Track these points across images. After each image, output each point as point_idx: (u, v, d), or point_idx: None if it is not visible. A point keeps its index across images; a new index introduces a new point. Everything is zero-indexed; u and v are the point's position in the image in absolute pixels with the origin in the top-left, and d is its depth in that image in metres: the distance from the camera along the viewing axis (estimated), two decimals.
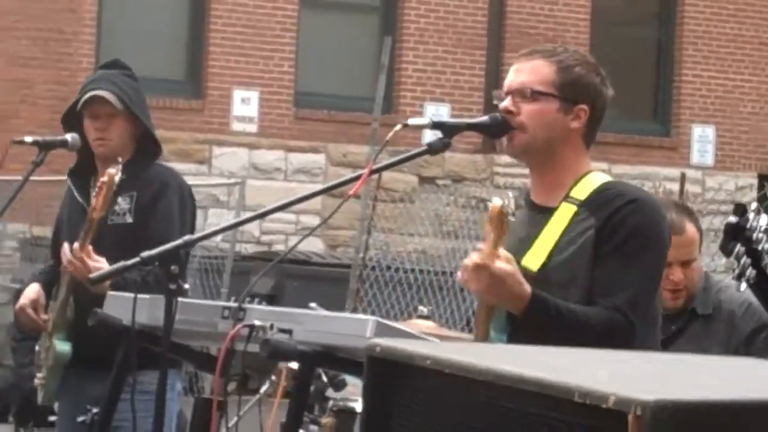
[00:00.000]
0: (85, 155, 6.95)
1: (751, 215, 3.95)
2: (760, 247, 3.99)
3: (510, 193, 4.71)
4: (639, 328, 4.80)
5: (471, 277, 4.65)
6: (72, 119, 6.84)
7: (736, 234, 3.96)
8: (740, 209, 3.96)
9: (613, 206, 4.86)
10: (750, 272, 3.97)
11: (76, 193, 6.88)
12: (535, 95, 4.97)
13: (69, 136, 6.58)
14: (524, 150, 5.03)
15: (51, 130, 6.73)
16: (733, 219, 3.99)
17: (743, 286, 4.05)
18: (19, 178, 6.48)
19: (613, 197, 4.90)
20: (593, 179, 5.00)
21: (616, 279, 4.80)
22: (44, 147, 6.45)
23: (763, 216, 4.00)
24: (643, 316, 4.83)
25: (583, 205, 4.90)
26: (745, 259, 3.96)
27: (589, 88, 5.02)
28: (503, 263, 4.59)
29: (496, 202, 4.64)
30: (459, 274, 4.75)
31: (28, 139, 6.48)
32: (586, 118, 5.01)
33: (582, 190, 4.95)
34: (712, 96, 23.03)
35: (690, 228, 6.23)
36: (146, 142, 6.89)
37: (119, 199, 6.53)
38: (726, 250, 3.98)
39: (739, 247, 3.96)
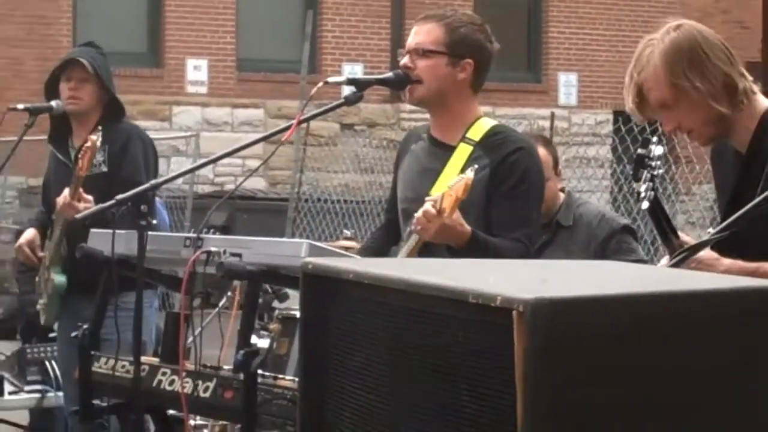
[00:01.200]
0: (59, 121, 6.93)
1: (652, 146, 3.95)
2: (656, 173, 3.99)
3: (475, 167, 4.72)
4: (532, 253, 4.86)
5: (426, 226, 4.60)
6: (52, 92, 6.83)
7: (643, 163, 3.96)
8: (646, 142, 3.95)
9: (503, 151, 4.88)
10: (650, 194, 3.96)
11: (58, 155, 6.87)
12: (427, 53, 4.96)
13: (54, 102, 6.56)
14: (421, 99, 5.03)
15: (39, 99, 6.69)
16: (641, 150, 3.98)
17: (645, 204, 4.04)
18: (15, 138, 6.42)
19: (502, 141, 4.93)
20: (484, 123, 5.00)
21: (515, 216, 4.83)
22: (34, 112, 6.39)
23: (659, 147, 4.00)
24: (535, 242, 4.89)
25: (477, 144, 4.92)
26: (648, 183, 3.95)
27: (474, 45, 5.00)
28: (454, 217, 4.60)
29: (470, 173, 4.61)
30: (413, 223, 4.73)
31: (20, 106, 6.44)
32: (472, 70, 5.00)
33: (476, 132, 4.96)
34: (574, 48, 23.03)
35: (542, 152, 6.25)
36: (113, 106, 6.87)
37: (97, 154, 6.53)
38: (636, 176, 3.97)
39: (645, 174, 3.96)
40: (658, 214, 4.05)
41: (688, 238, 4.08)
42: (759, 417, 2.39)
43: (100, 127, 6.28)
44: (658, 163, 3.96)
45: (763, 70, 21.73)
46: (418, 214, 4.59)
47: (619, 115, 19.29)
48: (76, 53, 6.94)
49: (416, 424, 2.46)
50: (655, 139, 3.99)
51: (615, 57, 22.24)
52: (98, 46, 7.01)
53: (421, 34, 5.00)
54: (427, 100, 5.05)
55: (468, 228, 4.65)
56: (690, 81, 4.06)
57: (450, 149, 4.95)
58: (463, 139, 4.94)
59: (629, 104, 4.21)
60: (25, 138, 6.42)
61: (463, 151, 4.91)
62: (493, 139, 4.93)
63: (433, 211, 4.54)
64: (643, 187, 3.96)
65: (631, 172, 4.05)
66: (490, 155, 4.86)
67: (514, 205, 4.84)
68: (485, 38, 5.04)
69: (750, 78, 4.19)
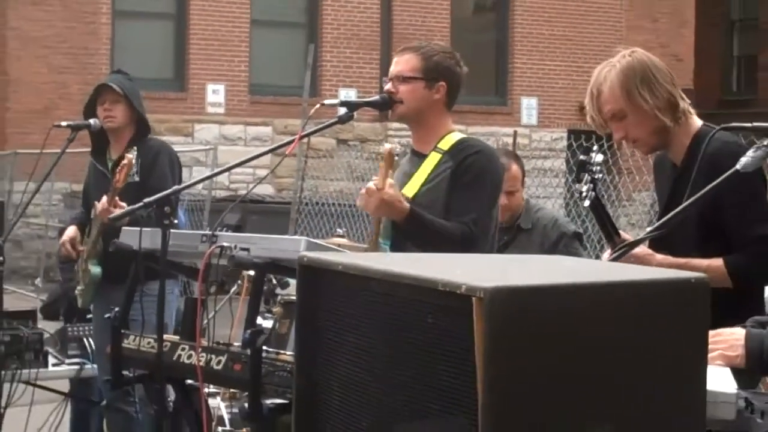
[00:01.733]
0: (98, 137, 6.96)
1: (593, 154, 3.97)
2: (596, 176, 4.00)
3: (397, 141, 4.78)
4: (480, 237, 4.84)
5: (367, 201, 4.70)
6: (91, 114, 6.86)
7: (584, 167, 3.97)
8: (587, 150, 3.97)
9: (464, 154, 4.92)
10: (591, 194, 3.97)
11: (97, 165, 6.91)
12: (406, 79, 4.99)
13: (92, 121, 6.60)
14: (402, 117, 5.07)
15: (81, 118, 6.71)
16: (582, 157, 3.99)
17: (587, 202, 4.05)
18: (59, 150, 6.44)
19: (464, 147, 4.96)
20: (454, 136, 5.03)
21: (466, 204, 4.84)
22: (75, 129, 6.41)
23: (599, 155, 4.01)
24: (481, 229, 4.87)
25: (446, 153, 4.96)
26: (589, 185, 3.96)
27: (446, 70, 5.03)
28: (390, 190, 4.64)
29: (387, 146, 4.74)
30: (358, 199, 4.80)
31: (64, 123, 6.46)
32: (445, 91, 5.03)
33: (446, 143, 5.00)
34: (535, 77, 23.06)
35: (514, 167, 6.27)
36: (142, 124, 6.89)
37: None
38: (578, 178, 3.99)
39: (586, 176, 3.97)
40: (599, 211, 4.07)
41: (627, 235, 4.10)
42: (683, 390, 2.41)
43: (135, 147, 6.34)
44: (598, 168, 3.97)
45: (695, 96, 21.78)
46: (362, 191, 4.70)
47: (572, 133, 19.30)
48: (108, 79, 7.03)
49: (393, 393, 2.46)
50: (595, 147, 4.01)
51: (569, 84, 22.32)
52: (126, 73, 7.10)
53: (401, 63, 5.03)
54: (407, 118, 5.09)
55: (407, 205, 4.73)
56: (641, 95, 4.10)
57: (424, 157, 4.99)
58: (435, 148, 4.99)
59: (589, 115, 4.24)
60: (68, 150, 6.43)
61: (433, 158, 4.97)
62: (459, 146, 4.97)
63: (374, 187, 4.62)
64: (584, 188, 3.97)
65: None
66: (454, 159, 4.91)
67: (466, 196, 4.86)
68: (455, 64, 5.08)
69: (688, 101, 4.22)
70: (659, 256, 4.00)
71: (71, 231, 6.86)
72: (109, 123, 6.81)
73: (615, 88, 4.16)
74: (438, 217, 4.83)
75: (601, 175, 3.99)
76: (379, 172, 4.72)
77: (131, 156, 6.11)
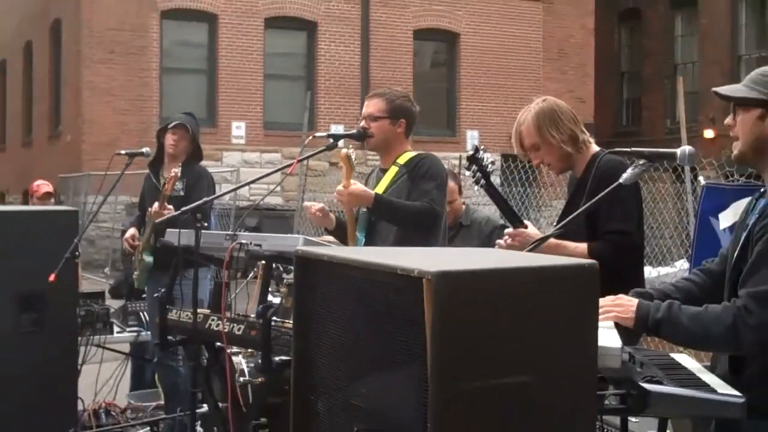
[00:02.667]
0: (157, 155, 6.98)
1: (480, 151, 3.97)
2: (486, 168, 3.99)
3: (351, 146, 4.81)
4: (439, 212, 4.87)
5: (340, 199, 4.77)
6: (160, 135, 6.97)
7: (475, 160, 3.98)
8: (476, 148, 3.98)
9: (415, 162, 4.97)
10: (481, 181, 3.98)
11: (152, 178, 6.89)
12: (375, 118, 4.99)
13: (144, 149, 6.55)
14: (374, 146, 5.07)
15: (136, 148, 6.69)
16: (470, 152, 4.01)
17: (476, 187, 4.07)
18: (118, 172, 6.42)
19: (417, 159, 4.98)
20: (409, 154, 5.07)
21: (425, 189, 4.86)
22: (131, 156, 6.39)
23: (487, 153, 4.01)
24: (439, 206, 4.89)
25: (402, 166, 4.99)
26: (478, 174, 3.96)
27: (405, 110, 5.06)
28: (354, 185, 4.71)
29: (343, 150, 4.77)
30: (335, 195, 4.82)
31: (123, 151, 6.42)
32: (405, 125, 5.05)
33: (402, 159, 5.04)
34: (476, 115, 23.13)
35: (452, 183, 6.29)
36: (196, 153, 6.89)
37: (177, 183, 6.57)
38: (469, 168, 4.00)
39: (474, 167, 3.98)
40: (495, 196, 4.05)
41: (529, 224, 4.09)
42: (580, 347, 2.41)
43: (180, 165, 6.33)
44: (488, 162, 3.98)
45: (595, 129, 21.86)
46: (335, 194, 4.78)
47: (506, 157, 19.35)
48: (183, 119, 7.04)
49: (366, 349, 2.47)
50: (482, 147, 4.03)
51: (502, 120, 22.37)
52: (193, 115, 7.16)
53: (371, 106, 5.04)
54: (377, 147, 5.10)
55: (371, 192, 4.76)
56: (549, 132, 4.12)
57: (386, 171, 5.02)
58: (394, 163, 5.00)
59: (516, 148, 4.27)
60: (127, 172, 6.41)
61: (392, 171, 5.02)
62: (412, 159, 5.00)
63: (342, 188, 4.70)
64: (474, 177, 3.99)
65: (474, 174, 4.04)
66: (408, 167, 4.92)
67: (423, 184, 4.88)
68: (411, 105, 5.11)
69: (587, 133, 4.24)
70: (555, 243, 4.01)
71: (131, 231, 6.90)
72: (172, 150, 6.84)
73: (531, 128, 4.19)
74: None
75: (491, 167, 3.99)
76: (343, 174, 4.75)
77: (177, 171, 6.14)
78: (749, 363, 2.94)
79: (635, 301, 2.99)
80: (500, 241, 4.10)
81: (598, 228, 3.99)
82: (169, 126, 6.97)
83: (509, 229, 4.06)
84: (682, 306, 2.95)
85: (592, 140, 4.27)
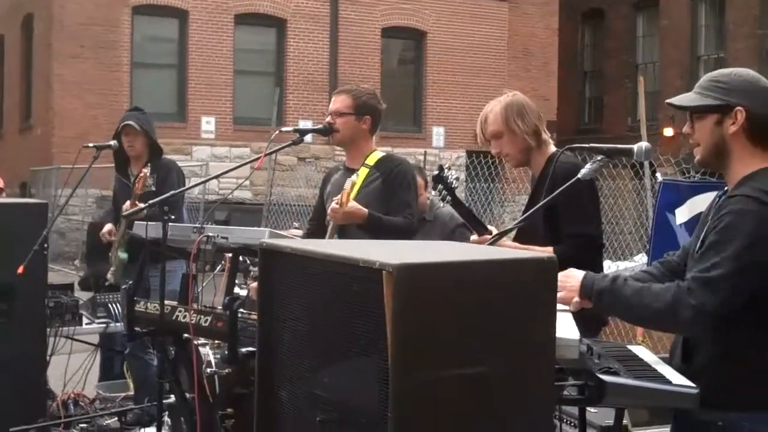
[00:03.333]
0: (120, 157, 6.91)
1: (445, 170, 3.98)
2: (451, 185, 4.00)
3: (354, 177, 4.75)
4: (416, 224, 4.92)
5: (336, 214, 4.68)
6: (118, 140, 6.82)
7: (440, 179, 3.98)
8: (440, 167, 3.98)
9: (389, 167, 4.94)
10: (447, 198, 3.99)
11: (122, 179, 6.85)
12: (341, 114, 4.98)
13: (112, 142, 6.55)
14: (339, 141, 5.06)
15: (107, 142, 6.67)
16: (436, 172, 4.02)
17: (443, 203, 4.08)
18: (86, 165, 6.37)
19: (389, 162, 4.97)
20: (377, 154, 5.03)
21: (403, 202, 4.87)
22: (99, 148, 6.34)
23: (453, 171, 4.03)
24: (416, 218, 4.92)
25: (372, 167, 4.95)
26: (444, 192, 3.97)
27: (371, 107, 5.03)
28: (351, 204, 4.66)
29: (353, 177, 4.71)
30: (329, 212, 4.76)
31: (91, 144, 6.38)
32: (370, 122, 5.03)
33: (372, 160, 5.00)
34: (442, 112, 23.16)
35: (418, 178, 6.28)
36: (155, 147, 6.83)
37: (148, 180, 6.53)
38: (435, 187, 4.00)
39: (440, 186, 3.99)
40: (462, 210, 4.09)
41: (492, 228, 4.11)
42: (538, 338, 2.42)
43: (149, 164, 6.29)
44: (452, 179, 4.00)
45: (557, 127, 21.98)
46: (329, 209, 4.68)
47: (469, 153, 19.43)
48: (128, 117, 6.94)
49: (327, 340, 2.46)
50: (447, 165, 4.04)
51: (467, 117, 22.37)
52: (141, 109, 7.07)
53: (337, 102, 5.02)
54: (342, 142, 5.08)
55: (365, 210, 4.73)
56: (515, 122, 4.13)
57: (354, 171, 4.97)
58: (363, 164, 4.96)
59: (479, 136, 4.28)
60: (97, 165, 6.37)
61: (363, 172, 4.96)
62: (384, 161, 4.98)
63: (337, 205, 4.61)
64: (440, 195, 4.02)
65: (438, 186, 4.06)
66: (380, 171, 4.92)
67: (401, 196, 4.88)
68: (378, 102, 5.08)
69: (548, 134, 4.27)
70: (509, 243, 4.03)
71: (108, 226, 6.86)
72: (131, 151, 6.78)
73: (497, 116, 4.20)
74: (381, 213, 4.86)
75: (456, 183, 4.01)
76: (343, 195, 4.69)
77: (146, 170, 6.08)
78: (699, 352, 2.96)
79: (582, 273, 3.00)
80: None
81: (559, 229, 4.00)
82: (119, 129, 6.92)
83: (474, 237, 4.07)
84: (627, 279, 2.97)
85: (552, 141, 4.30)
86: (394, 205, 4.86)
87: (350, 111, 4.98)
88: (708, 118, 2.97)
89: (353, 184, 4.68)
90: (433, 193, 4.08)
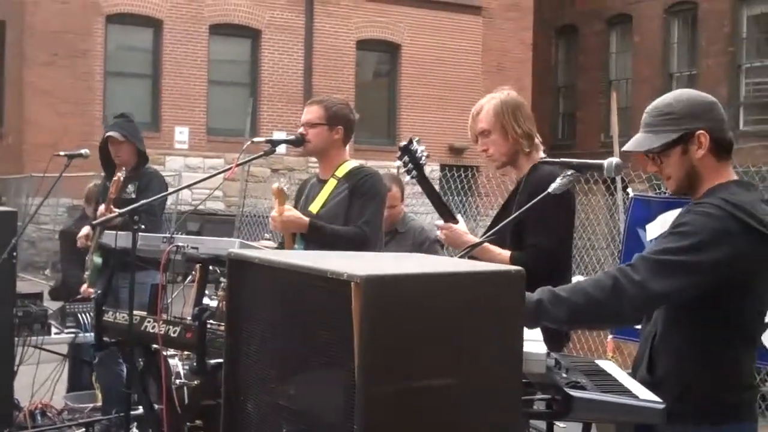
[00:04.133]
0: (108, 164, 6.87)
1: (413, 144, 3.93)
2: (419, 159, 3.96)
3: (282, 179, 4.76)
4: (370, 236, 4.83)
5: (276, 224, 4.72)
6: (105, 149, 6.83)
7: (407, 151, 3.95)
8: (410, 140, 3.93)
9: (357, 178, 4.92)
10: (413, 173, 3.94)
11: (107, 184, 6.77)
12: (313, 125, 4.97)
13: (83, 150, 6.49)
14: (311, 151, 5.06)
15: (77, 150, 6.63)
16: (403, 143, 3.98)
17: (407, 177, 4.05)
18: (58, 174, 6.33)
19: (357, 173, 4.96)
20: (348, 164, 5.03)
21: (360, 212, 4.85)
22: (70, 157, 6.30)
23: (421, 146, 3.97)
24: (372, 230, 4.86)
25: (341, 178, 4.95)
26: (410, 165, 3.93)
27: (342, 117, 5.02)
28: (286, 213, 4.68)
29: (275, 185, 4.71)
30: (270, 222, 4.79)
31: (62, 153, 6.34)
32: (342, 133, 5.02)
33: (342, 171, 4.99)
34: (416, 125, 23.02)
35: (394, 188, 6.28)
36: (141, 155, 6.81)
37: (129, 186, 6.53)
38: (401, 158, 3.96)
39: (407, 158, 3.95)
40: (427, 188, 4.03)
41: (461, 218, 4.08)
42: (505, 352, 2.42)
43: (124, 168, 6.25)
44: (421, 153, 3.94)
45: None
46: (270, 221, 4.77)
47: (443, 167, 19.47)
48: (111, 127, 6.91)
49: (293, 352, 2.46)
50: (417, 139, 4.00)
51: (441, 131, 22.52)
52: (128, 116, 7.03)
53: (310, 113, 5.01)
54: (314, 152, 5.07)
55: (305, 219, 4.73)
56: (508, 122, 4.08)
57: (324, 182, 4.97)
58: (333, 175, 4.96)
59: (470, 132, 4.22)
60: (69, 174, 6.33)
61: (331, 183, 4.96)
62: (353, 172, 4.96)
63: (276, 214, 4.66)
64: (405, 167, 3.95)
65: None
66: (348, 182, 4.90)
67: (360, 206, 4.86)
68: (350, 112, 5.07)
69: (540, 139, 4.22)
70: (467, 237, 4.00)
71: (86, 230, 6.85)
72: (118, 161, 6.75)
73: (490, 112, 4.12)
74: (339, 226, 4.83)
75: (424, 159, 3.95)
76: (276, 204, 4.72)
77: (121, 174, 6.02)
78: (663, 363, 2.98)
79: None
80: (440, 234, 4.10)
81: (522, 238, 3.97)
82: (103, 138, 6.90)
83: (439, 221, 4.04)
84: (557, 287, 2.93)
85: (542, 148, 4.25)
86: (351, 215, 4.85)
87: (322, 121, 4.97)
88: (673, 152, 2.98)
89: (279, 191, 4.69)
90: (398, 163, 4.02)
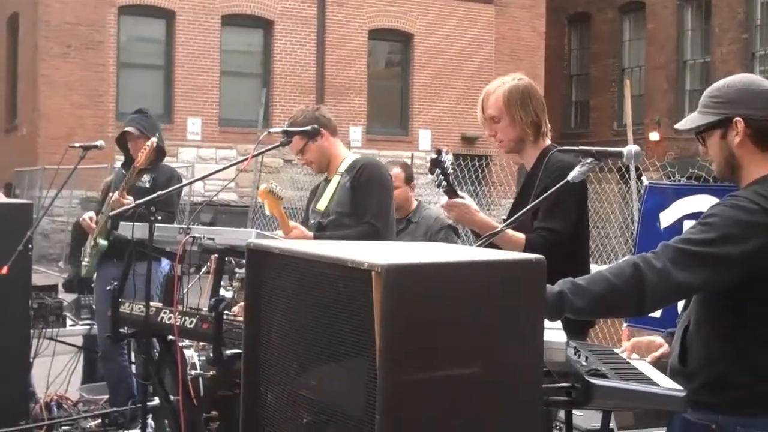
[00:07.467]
0: (127, 154, 6.89)
1: (443, 155, 3.89)
2: (447, 170, 3.93)
3: (271, 181, 4.75)
4: (381, 228, 4.82)
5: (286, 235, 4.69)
6: (123, 143, 6.88)
7: (437, 163, 3.92)
8: (438, 151, 3.89)
9: (356, 169, 4.94)
10: (443, 184, 3.91)
11: (124, 172, 6.72)
12: (302, 150, 5.09)
13: (98, 142, 6.45)
14: (321, 170, 5.20)
15: (93, 141, 6.62)
16: (434, 155, 3.94)
17: (438, 188, 4.01)
18: (72, 166, 6.34)
19: (355, 163, 4.97)
20: (348, 159, 5.06)
21: (363, 206, 4.86)
22: (85, 149, 6.30)
23: (450, 156, 3.93)
24: (382, 221, 4.84)
25: (344, 172, 4.96)
26: (440, 177, 3.89)
27: (314, 120, 5.01)
28: (293, 231, 4.68)
29: (262, 186, 4.60)
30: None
31: (77, 144, 6.34)
32: (326, 132, 5.08)
33: (344, 166, 5.00)
34: (429, 115, 23.18)
35: (396, 170, 6.29)
36: (158, 150, 6.78)
37: (145, 176, 6.53)
38: (432, 172, 3.93)
39: (437, 170, 3.92)
40: (453, 196, 3.99)
41: (465, 195, 4.04)
42: (527, 340, 2.40)
43: (155, 138, 6.16)
44: (448, 164, 3.90)
45: None
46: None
47: (456, 156, 19.45)
48: (128, 123, 6.89)
49: (314, 341, 2.44)
50: (445, 149, 3.96)
51: (453, 121, 22.49)
52: (145, 111, 6.99)
53: (293, 146, 5.05)
54: (322, 167, 5.16)
55: (309, 234, 4.77)
56: (517, 109, 4.04)
57: (330, 181, 5.01)
58: (336, 172, 4.98)
59: (479, 116, 4.19)
60: (83, 166, 6.32)
61: (335, 180, 4.99)
62: (353, 165, 4.98)
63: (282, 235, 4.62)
64: (437, 179, 3.90)
65: (432, 173, 3.98)
66: (350, 174, 4.90)
67: (363, 199, 4.87)
68: (315, 110, 5.12)
69: (549, 127, 4.17)
70: (479, 215, 3.96)
71: (90, 213, 6.80)
72: (135, 156, 6.74)
73: (499, 99, 4.07)
74: (350, 215, 4.83)
75: (451, 169, 3.92)
76: (279, 219, 4.67)
77: (155, 139, 5.88)
78: (695, 353, 2.95)
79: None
80: (447, 214, 4.07)
81: (537, 220, 3.93)
82: (120, 133, 6.89)
83: (445, 199, 3.99)
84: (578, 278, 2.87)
85: (549, 135, 4.22)
86: (356, 209, 4.84)
87: (304, 141, 4.98)
88: (714, 134, 2.97)
89: (266, 193, 4.53)
90: (430, 176, 3.98)
